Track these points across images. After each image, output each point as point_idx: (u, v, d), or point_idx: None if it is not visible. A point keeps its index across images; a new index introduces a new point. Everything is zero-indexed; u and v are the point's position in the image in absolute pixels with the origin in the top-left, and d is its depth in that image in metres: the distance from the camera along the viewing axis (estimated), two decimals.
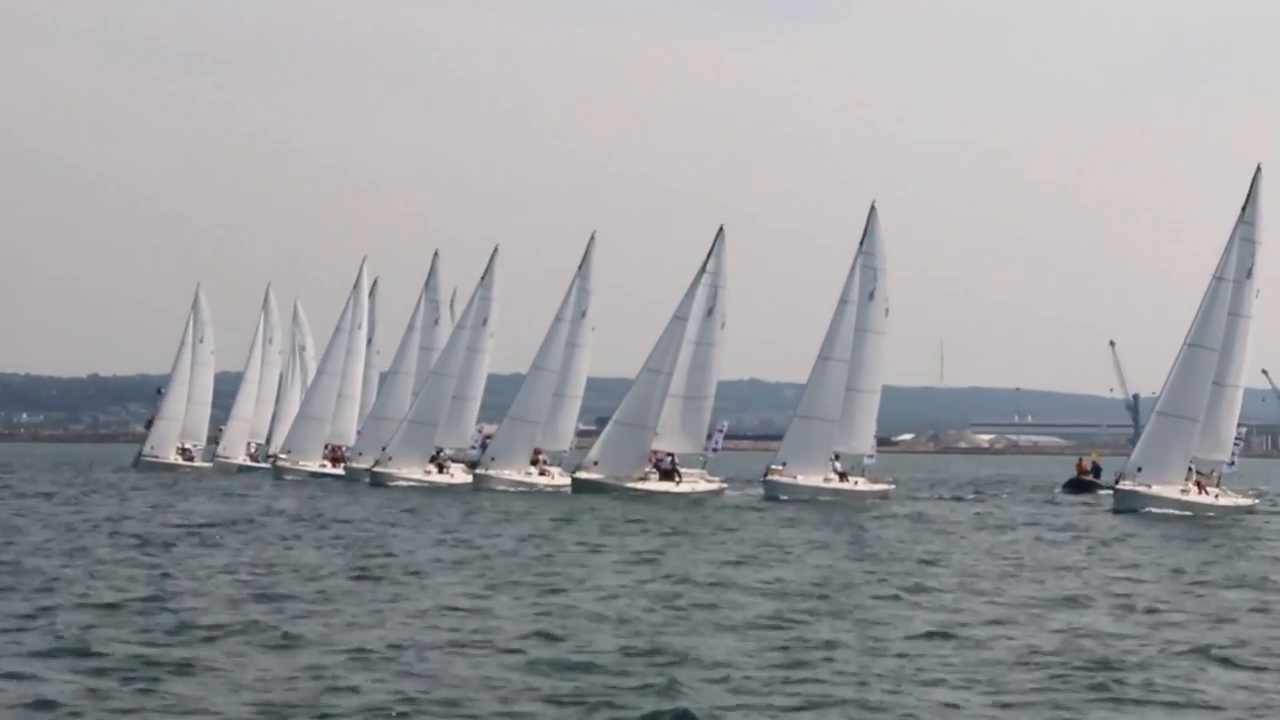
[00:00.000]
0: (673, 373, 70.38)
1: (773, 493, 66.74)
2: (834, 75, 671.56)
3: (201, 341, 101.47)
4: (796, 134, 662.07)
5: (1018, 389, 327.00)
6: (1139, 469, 58.23)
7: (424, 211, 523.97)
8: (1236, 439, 59.27)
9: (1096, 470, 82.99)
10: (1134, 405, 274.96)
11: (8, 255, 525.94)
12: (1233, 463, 59.65)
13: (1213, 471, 59.53)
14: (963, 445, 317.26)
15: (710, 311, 71.38)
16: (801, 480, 66.90)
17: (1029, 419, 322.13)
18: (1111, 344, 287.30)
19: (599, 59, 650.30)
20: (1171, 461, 57.78)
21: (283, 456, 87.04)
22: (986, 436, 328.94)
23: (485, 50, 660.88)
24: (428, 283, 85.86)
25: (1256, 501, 63.30)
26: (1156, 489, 57.78)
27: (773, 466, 68.03)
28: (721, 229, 72.29)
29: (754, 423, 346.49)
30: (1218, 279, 58.71)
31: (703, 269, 71.91)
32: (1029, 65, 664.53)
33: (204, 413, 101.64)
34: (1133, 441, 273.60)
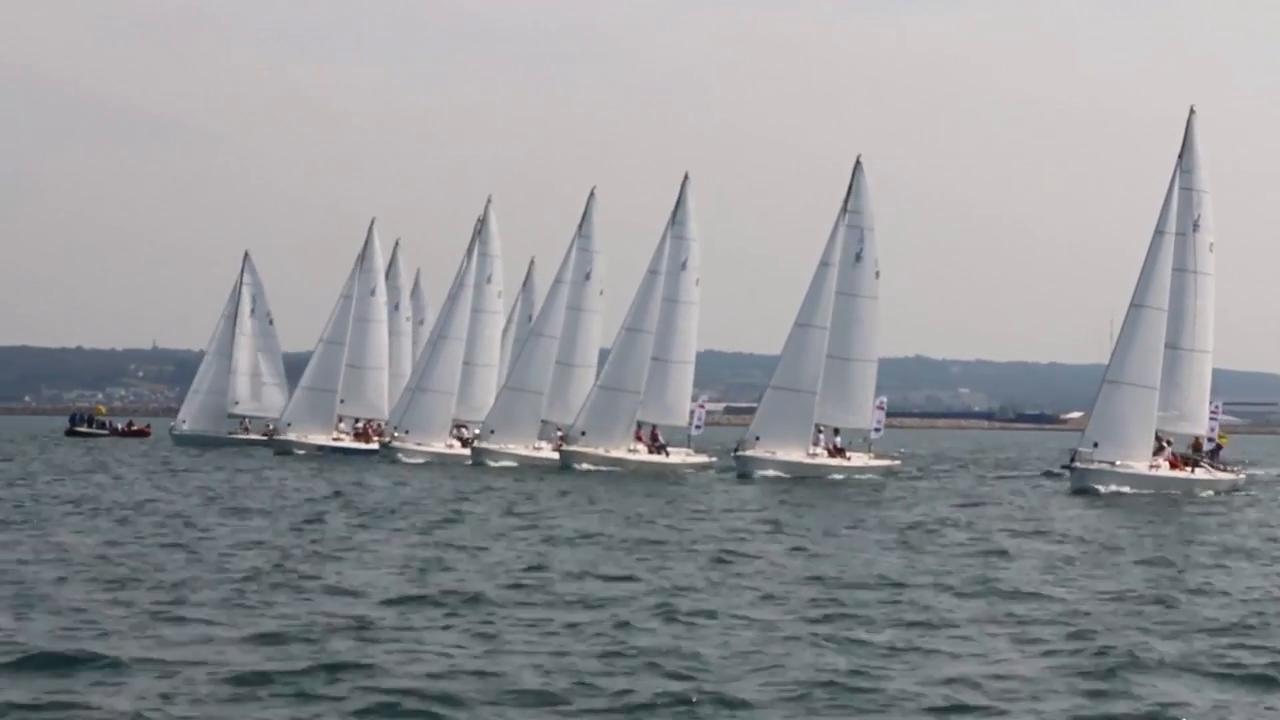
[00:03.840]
0: (653, 332, 66.15)
1: (745, 469, 61.33)
2: (1008, 52, 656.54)
3: (253, 313, 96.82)
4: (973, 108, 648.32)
5: None
6: (1095, 444, 52.14)
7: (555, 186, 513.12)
8: (1212, 412, 53.73)
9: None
10: None
11: (167, 243, 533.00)
12: (1211, 439, 54.16)
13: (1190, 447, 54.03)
14: None
15: (684, 265, 67.07)
16: (780, 456, 62.03)
17: None
18: None
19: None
20: (1129, 434, 51.90)
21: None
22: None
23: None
24: (471, 245, 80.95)
25: (1240, 477, 56.65)
26: (1120, 465, 52.08)
27: (745, 441, 62.58)
28: (687, 176, 67.54)
29: (919, 400, 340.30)
30: (1159, 233, 53.05)
31: (671, 219, 67.38)
32: (1218, 42, 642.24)
33: (275, 392, 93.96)
34: None
